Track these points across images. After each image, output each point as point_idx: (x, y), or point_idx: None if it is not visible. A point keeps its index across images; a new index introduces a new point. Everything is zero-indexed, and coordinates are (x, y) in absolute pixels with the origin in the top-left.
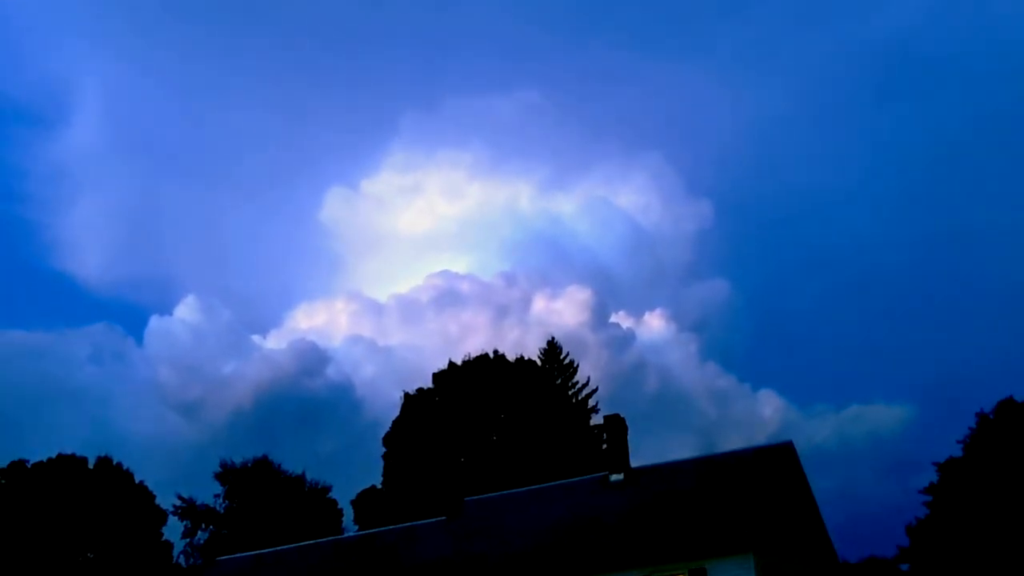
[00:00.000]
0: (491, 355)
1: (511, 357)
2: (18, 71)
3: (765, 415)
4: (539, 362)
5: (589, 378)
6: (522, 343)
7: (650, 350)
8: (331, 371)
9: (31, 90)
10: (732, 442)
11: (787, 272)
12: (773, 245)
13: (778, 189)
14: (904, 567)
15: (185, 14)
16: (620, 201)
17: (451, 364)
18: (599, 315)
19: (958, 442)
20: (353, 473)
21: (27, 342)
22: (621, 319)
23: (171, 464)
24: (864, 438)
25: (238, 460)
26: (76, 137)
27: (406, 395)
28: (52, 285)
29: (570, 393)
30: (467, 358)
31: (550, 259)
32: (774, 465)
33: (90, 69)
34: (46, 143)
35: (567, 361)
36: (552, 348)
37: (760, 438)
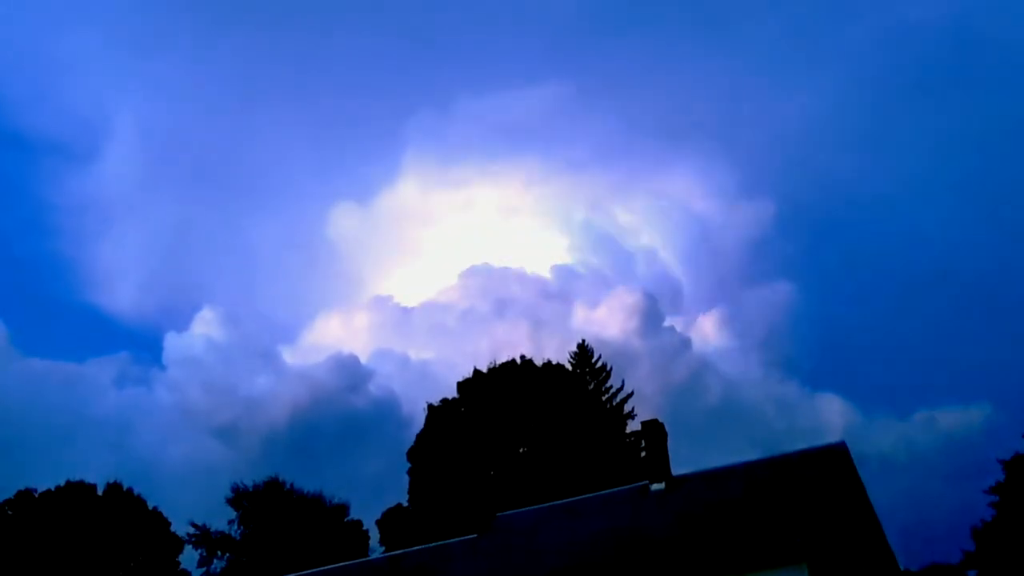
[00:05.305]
0: (518, 361)
1: (548, 362)
2: (48, 105)
3: (829, 422)
4: (569, 367)
5: (624, 382)
6: (564, 349)
7: (706, 356)
8: (368, 386)
9: (61, 123)
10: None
11: (850, 274)
12: (834, 247)
13: (836, 189)
14: (972, 573)
15: (206, 40)
16: (674, 201)
17: (476, 372)
18: (651, 320)
19: (1023, 436)
20: (381, 491)
21: (52, 371)
22: (676, 323)
23: (195, 489)
24: (934, 443)
25: (250, 483)
26: (104, 169)
27: (430, 407)
28: (79, 316)
29: (604, 399)
30: (492, 365)
31: (599, 261)
32: (827, 468)
33: (117, 101)
34: (75, 176)
35: (599, 365)
36: (583, 352)
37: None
